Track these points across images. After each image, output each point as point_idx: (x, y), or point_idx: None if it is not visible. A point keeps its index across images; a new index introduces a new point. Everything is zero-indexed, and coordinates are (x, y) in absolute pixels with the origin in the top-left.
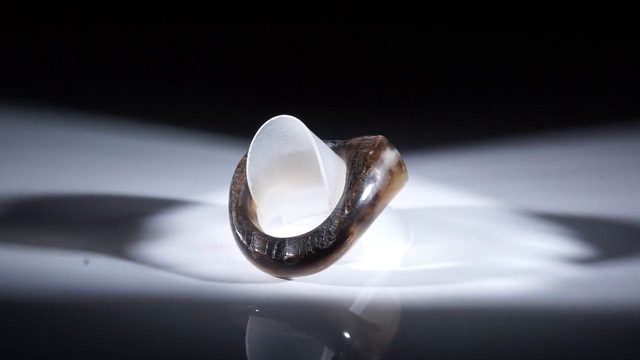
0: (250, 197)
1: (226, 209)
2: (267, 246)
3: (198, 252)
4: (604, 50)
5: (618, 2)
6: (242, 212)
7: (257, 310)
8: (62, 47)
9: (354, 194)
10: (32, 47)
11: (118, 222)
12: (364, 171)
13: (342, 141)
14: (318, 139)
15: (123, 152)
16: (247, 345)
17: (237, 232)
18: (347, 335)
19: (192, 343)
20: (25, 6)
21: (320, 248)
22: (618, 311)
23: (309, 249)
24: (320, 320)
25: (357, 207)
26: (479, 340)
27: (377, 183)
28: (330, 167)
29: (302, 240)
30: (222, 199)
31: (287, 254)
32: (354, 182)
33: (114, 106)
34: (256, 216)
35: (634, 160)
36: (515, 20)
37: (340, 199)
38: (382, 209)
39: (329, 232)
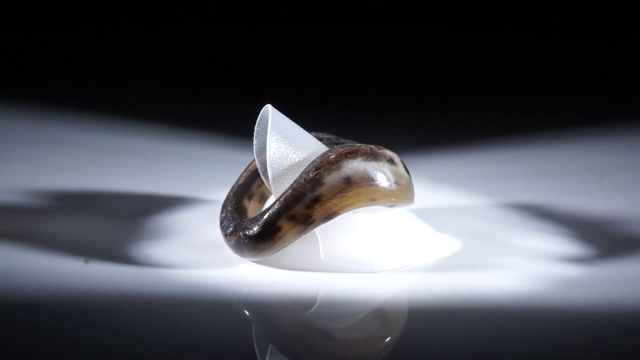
0: (256, 183)
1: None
2: (225, 222)
3: (198, 252)
4: (604, 50)
5: (618, 2)
6: (236, 194)
7: (256, 310)
8: (62, 47)
9: (289, 191)
10: (32, 47)
11: (118, 222)
12: (311, 171)
13: (334, 137)
14: (299, 130)
15: (123, 152)
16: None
17: (221, 209)
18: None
19: (192, 343)
20: (25, 6)
21: (247, 234)
22: (618, 311)
23: (240, 233)
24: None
25: (287, 203)
26: (478, 341)
27: (322, 188)
28: (284, 158)
29: (242, 224)
30: (222, 198)
31: (229, 231)
32: (298, 179)
33: (114, 106)
34: (260, 199)
35: (634, 160)
36: (516, 21)
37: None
38: (328, 215)
39: (257, 221)
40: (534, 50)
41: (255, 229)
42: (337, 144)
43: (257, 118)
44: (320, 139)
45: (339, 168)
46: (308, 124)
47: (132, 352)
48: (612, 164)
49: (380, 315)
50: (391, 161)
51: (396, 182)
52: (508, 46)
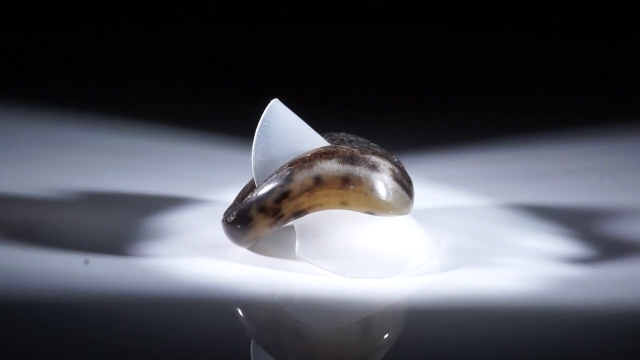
0: None
1: (226, 209)
2: (228, 209)
3: (198, 252)
4: (604, 50)
5: (618, 2)
6: (252, 184)
7: (256, 310)
8: (62, 47)
9: (263, 184)
10: (32, 47)
11: (118, 222)
12: (285, 167)
13: (364, 141)
14: (302, 128)
15: (123, 152)
16: (251, 345)
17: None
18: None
19: (192, 343)
20: (25, 6)
21: (227, 221)
22: (618, 311)
23: (224, 218)
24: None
25: (258, 195)
26: (478, 341)
27: (292, 184)
28: (267, 149)
29: (228, 210)
30: (222, 198)
31: (222, 215)
32: (272, 173)
33: (114, 106)
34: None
35: (634, 160)
36: (516, 21)
37: None
38: (297, 212)
39: (236, 208)
40: (534, 50)
41: (232, 216)
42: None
43: (257, 118)
44: (342, 141)
45: (311, 167)
46: (308, 124)
47: (132, 351)
48: (612, 164)
49: (365, 322)
50: (373, 167)
51: (373, 190)
52: (508, 46)
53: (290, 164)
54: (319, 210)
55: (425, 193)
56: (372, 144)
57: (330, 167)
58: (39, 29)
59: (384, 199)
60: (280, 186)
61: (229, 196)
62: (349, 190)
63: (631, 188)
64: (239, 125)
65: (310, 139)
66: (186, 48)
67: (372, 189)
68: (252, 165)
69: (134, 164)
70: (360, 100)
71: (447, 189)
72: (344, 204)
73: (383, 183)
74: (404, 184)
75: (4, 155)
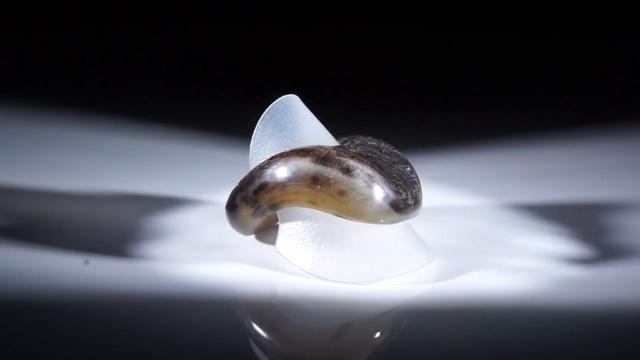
0: None
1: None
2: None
3: (198, 252)
4: (604, 49)
5: (618, 2)
6: None
7: (255, 310)
8: (62, 47)
9: (247, 173)
10: (32, 47)
11: (118, 222)
12: (266, 160)
13: (387, 147)
14: (312, 126)
15: (123, 152)
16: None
17: None
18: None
19: (192, 343)
20: (25, 6)
21: (225, 205)
22: (618, 311)
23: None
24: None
25: (241, 185)
26: (478, 341)
27: (268, 177)
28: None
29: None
30: (222, 199)
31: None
32: (257, 165)
33: (114, 106)
34: None
35: (634, 160)
36: (516, 21)
37: None
38: (272, 205)
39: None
40: (534, 50)
41: (226, 202)
42: (367, 153)
43: (257, 118)
44: (352, 143)
45: (286, 162)
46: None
47: (132, 351)
48: (612, 164)
49: (339, 328)
50: (346, 171)
51: (341, 193)
52: (508, 46)
53: (272, 157)
54: (290, 206)
55: (425, 193)
56: (395, 151)
57: (303, 165)
58: (39, 29)
59: (351, 204)
60: (258, 178)
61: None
62: (316, 190)
63: (631, 188)
64: (238, 125)
65: (315, 138)
66: (186, 48)
67: (339, 192)
68: (250, 148)
69: (134, 164)
70: (360, 100)
71: (447, 189)
72: (312, 203)
73: (353, 188)
74: (387, 194)
75: (4, 155)
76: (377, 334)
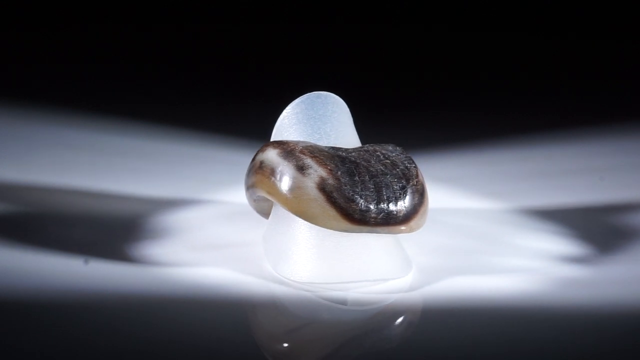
0: None
1: (226, 208)
2: None
3: (198, 252)
4: (604, 50)
5: (618, 2)
6: None
7: (256, 310)
8: (63, 47)
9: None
10: (32, 47)
11: (118, 222)
12: (263, 145)
13: (400, 154)
14: (344, 125)
15: (123, 152)
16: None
17: None
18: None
19: (192, 343)
20: (25, 6)
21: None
22: (618, 311)
23: None
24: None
25: (249, 165)
26: (478, 341)
27: (254, 161)
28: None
29: None
30: (223, 198)
31: None
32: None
33: (114, 106)
34: None
35: (634, 160)
36: (516, 21)
37: None
38: (253, 186)
39: None
40: (534, 50)
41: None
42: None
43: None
44: (366, 152)
45: (263, 151)
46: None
47: (132, 351)
48: (612, 164)
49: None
50: (299, 168)
51: (290, 190)
52: (508, 46)
53: (266, 143)
54: (260, 193)
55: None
56: (406, 161)
57: (269, 155)
58: (39, 29)
59: (300, 202)
60: (251, 161)
61: (229, 196)
62: (271, 182)
63: (631, 188)
64: (239, 125)
65: (332, 140)
66: (186, 48)
67: (289, 189)
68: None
69: (134, 164)
70: (361, 100)
71: (447, 189)
72: (270, 195)
73: (299, 187)
74: (337, 200)
75: (3, 155)
76: (377, 334)
